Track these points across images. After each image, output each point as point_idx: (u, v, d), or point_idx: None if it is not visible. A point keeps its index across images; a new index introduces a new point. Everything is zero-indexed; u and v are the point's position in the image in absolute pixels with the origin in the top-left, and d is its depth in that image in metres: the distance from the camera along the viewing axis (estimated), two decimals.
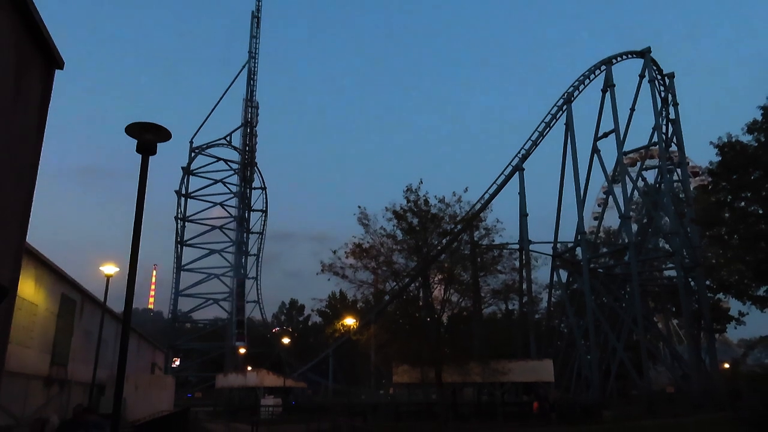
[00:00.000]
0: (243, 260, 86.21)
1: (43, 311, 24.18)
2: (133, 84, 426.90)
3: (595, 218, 74.82)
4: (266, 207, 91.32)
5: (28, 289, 22.02)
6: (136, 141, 8.47)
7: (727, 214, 34.90)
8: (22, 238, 8.83)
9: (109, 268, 26.61)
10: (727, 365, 62.92)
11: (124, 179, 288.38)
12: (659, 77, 63.01)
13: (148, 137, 8.41)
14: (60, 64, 9.70)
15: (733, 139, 33.59)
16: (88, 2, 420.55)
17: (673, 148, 63.28)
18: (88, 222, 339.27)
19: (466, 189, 38.40)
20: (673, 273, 56.37)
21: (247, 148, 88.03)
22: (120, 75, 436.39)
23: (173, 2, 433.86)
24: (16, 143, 8.41)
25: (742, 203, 34.23)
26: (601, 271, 58.72)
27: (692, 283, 54.24)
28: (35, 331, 23.29)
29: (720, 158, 33.91)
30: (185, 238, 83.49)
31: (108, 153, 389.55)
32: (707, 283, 51.32)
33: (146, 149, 8.42)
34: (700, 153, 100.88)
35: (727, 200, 34.61)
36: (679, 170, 61.73)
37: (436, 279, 39.36)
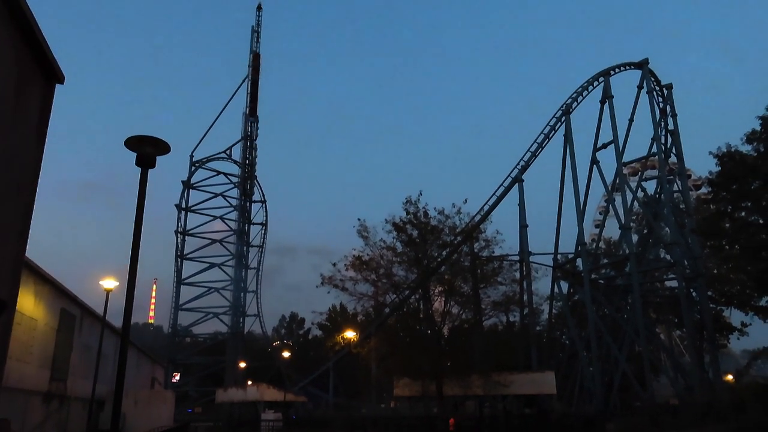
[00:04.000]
0: (243, 274, 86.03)
1: (42, 326, 24.09)
2: (133, 98, 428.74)
3: (597, 226, 74.72)
4: (266, 220, 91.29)
5: (28, 303, 21.96)
6: (136, 154, 8.49)
7: (727, 224, 34.88)
8: (21, 252, 8.80)
9: (109, 283, 26.54)
10: (730, 376, 62.54)
11: (124, 194, 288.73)
12: (657, 88, 63.24)
13: (147, 150, 8.43)
14: (60, 79, 9.72)
15: (733, 149, 33.66)
16: (88, 16, 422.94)
17: (673, 158, 63.39)
18: (87, 236, 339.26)
19: (466, 200, 38.66)
20: (674, 284, 56.18)
21: (247, 162, 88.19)
22: (121, 89, 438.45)
23: (173, 17, 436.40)
24: (15, 158, 8.41)
25: (743, 213, 34.23)
26: (602, 282, 58.57)
27: (694, 294, 54.06)
28: (34, 346, 23.19)
29: (720, 168, 33.98)
30: (185, 252, 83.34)
31: (108, 168, 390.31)
32: (709, 293, 51.20)
33: (145, 162, 8.44)
34: (700, 163, 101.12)
35: (727, 210, 34.63)
36: (679, 180, 61.81)
37: (436, 291, 39.36)
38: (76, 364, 29.40)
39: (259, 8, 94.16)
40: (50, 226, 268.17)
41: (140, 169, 8.43)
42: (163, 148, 8.56)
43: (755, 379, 56.99)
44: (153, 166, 8.52)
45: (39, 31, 8.49)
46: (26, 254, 9.67)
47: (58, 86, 9.86)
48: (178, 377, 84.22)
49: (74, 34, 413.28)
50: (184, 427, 34.15)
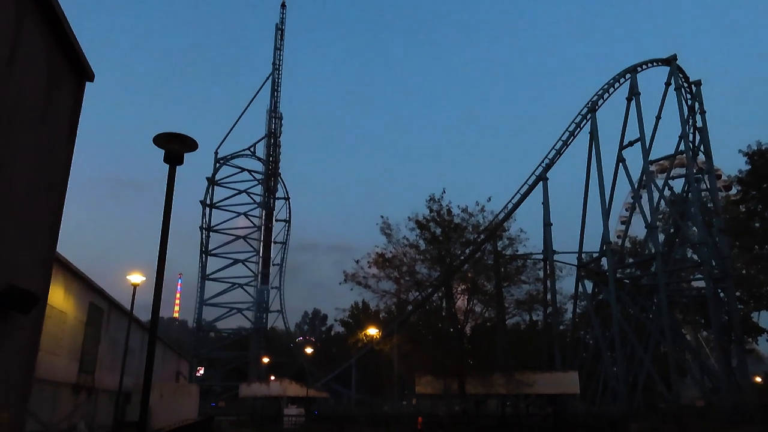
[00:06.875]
0: (267, 270, 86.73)
1: (71, 319, 24.58)
2: (161, 95, 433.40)
3: (623, 223, 73.76)
4: (290, 217, 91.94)
5: (58, 297, 22.41)
6: (164, 151, 8.60)
7: (757, 224, 34.20)
8: (52, 247, 8.97)
9: (136, 277, 26.97)
10: (758, 378, 61.39)
11: (151, 190, 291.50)
12: (686, 85, 62.14)
13: (174, 147, 8.53)
14: (90, 77, 9.86)
15: (764, 147, 32.97)
16: (116, 15, 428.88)
17: (701, 156, 62.27)
18: (115, 232, 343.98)
19: (490, 198, 38.38)
20: (701, 284, 55.25)
21: (270, 159, 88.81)
22: (149, 86, 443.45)
23: (200, 15, 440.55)
24: (46, 155, 8.57)
25: None
26: (627, 281, 57.80)
27: (722, 295, 53.10)
28: (64, 339, 23.67)
29: (750, 166, 33.30)
30: (210, 248, 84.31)
31: (137, 164, 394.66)
32: (737, 294, 50.22)
33: (173, 159, 8.54)
34: (730, 161, 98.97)
35: (757, 209, 33.95)
36: (707, 179, 60.66)
37: (459, 289, 39.26)
38: (103, 356, 29.95)
39: (283, 6, 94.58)
40: (80, 221, 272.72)
41: (168, 165, 8.54)
42: (190, 145, 8.65)
43: None
44: (181, 162, 8.62)
45: (70, 30, 8.63)
46: (57, 249, 9.86)
47: (87, 84, 10.02)
48: (202, 371, 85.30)
49: (102, 31, 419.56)
50: (209, 420, 34.54)
